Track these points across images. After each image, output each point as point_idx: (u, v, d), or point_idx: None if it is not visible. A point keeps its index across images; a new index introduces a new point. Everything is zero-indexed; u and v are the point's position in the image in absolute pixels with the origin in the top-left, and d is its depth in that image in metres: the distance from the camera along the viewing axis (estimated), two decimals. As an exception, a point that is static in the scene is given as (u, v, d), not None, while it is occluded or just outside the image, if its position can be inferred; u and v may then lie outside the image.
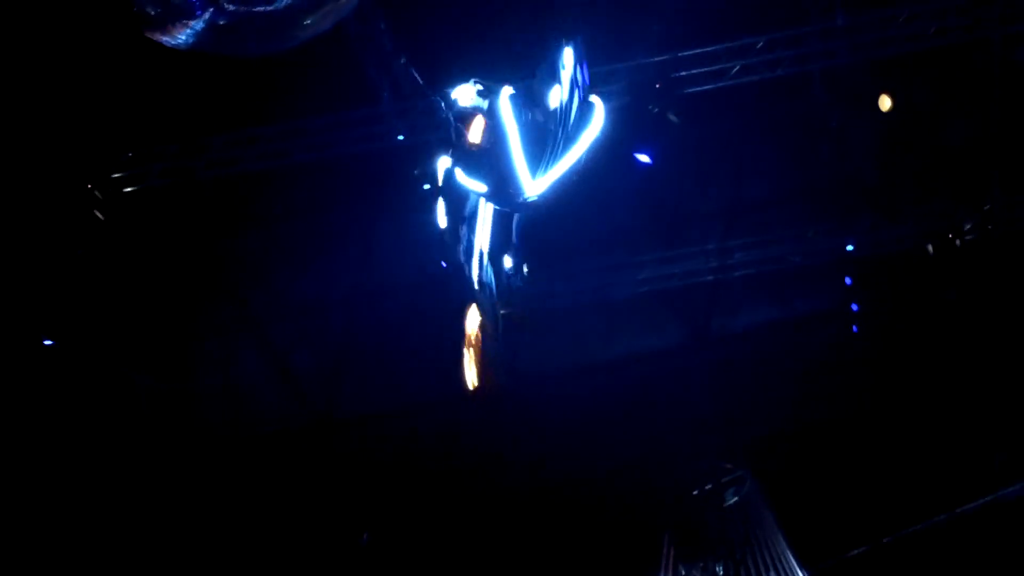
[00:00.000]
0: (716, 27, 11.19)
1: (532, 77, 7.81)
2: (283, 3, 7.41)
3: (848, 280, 12.15)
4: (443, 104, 7.98)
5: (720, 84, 11.23)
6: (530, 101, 7.67)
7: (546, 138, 7.61)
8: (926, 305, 11.86)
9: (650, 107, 11.00)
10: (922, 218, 11.79)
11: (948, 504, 11.76)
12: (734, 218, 12.52)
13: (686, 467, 12.03)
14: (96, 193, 11.39)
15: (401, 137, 11.67)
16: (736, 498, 11.48)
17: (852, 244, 12.06)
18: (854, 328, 12.04)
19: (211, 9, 7.04)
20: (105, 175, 11.48)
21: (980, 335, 11.84)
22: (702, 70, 11.25)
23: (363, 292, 13.07)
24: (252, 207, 12.68)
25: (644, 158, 11.13)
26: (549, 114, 7.67)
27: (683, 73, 11.22)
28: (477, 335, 8.18)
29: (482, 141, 7.74)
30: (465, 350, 8.23)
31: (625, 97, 11.40)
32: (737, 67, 11.16)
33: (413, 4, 10.87)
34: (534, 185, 7.57)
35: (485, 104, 7.88)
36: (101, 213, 11.44)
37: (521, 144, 7.53)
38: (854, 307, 12.25)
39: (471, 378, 8.22)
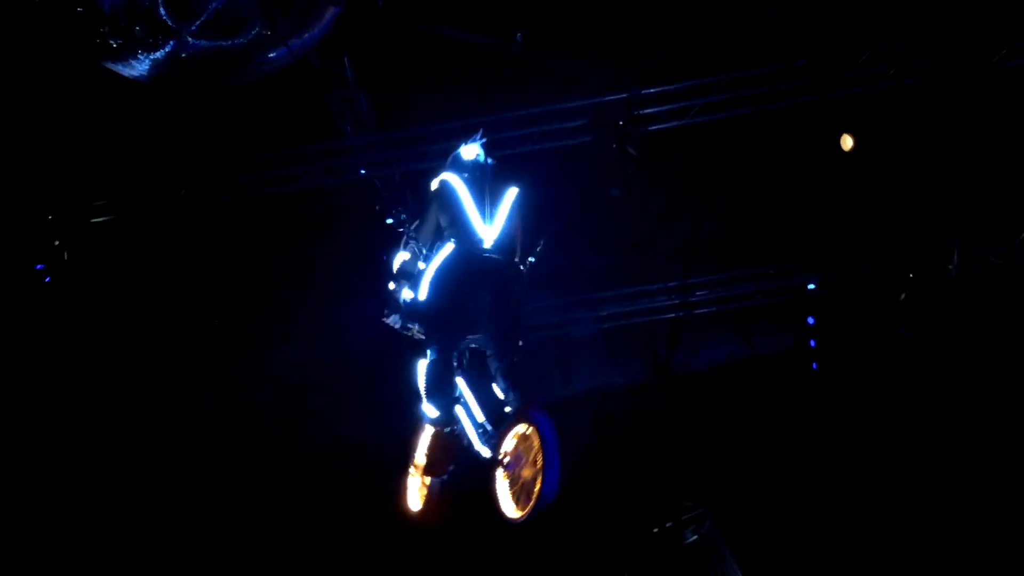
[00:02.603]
0: (678, 65, 11.26)
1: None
2: (248, 37, 7.40)
3: (811, 319, 12.20)
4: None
5: (683, 122, 11.30)
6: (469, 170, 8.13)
7: (482, 192, 7.99)
8: (885, 343, 11.91)
9: (613, 144, 11.02)
10: (884, 256, 11.85)
11: (910, 541, 11.79)
12: (696, 255, 12.54)
13: (645, 505, 12.01)
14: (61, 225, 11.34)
15: (363, 171, 11.67)
16: (696, 536, 11.47)
17: (813, 283, 12.11)
18: (814, 365, 12.07)
19: (173, 41, 7.03)
20: (69, 208, 11.44)
21: (940, 373, 11.90)
22: (664, 108, 11.32)
23: (325, 326, 13.01)
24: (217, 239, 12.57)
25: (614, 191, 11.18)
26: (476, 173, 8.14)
27: (646, 111, 11.29)
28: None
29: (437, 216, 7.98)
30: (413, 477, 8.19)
31: (587, 134, 11.47)
32: (700, 105, 11.23)
33: (376, 41, 10.88)
34: (489, 231, 7.83)
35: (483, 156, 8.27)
36: (63, 246, 11.36)
37: (472, 200, 7.90)
38: (812, 343, 12.30)
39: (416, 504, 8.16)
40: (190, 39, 7.18)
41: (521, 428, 7.47)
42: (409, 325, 7.93)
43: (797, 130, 11.44)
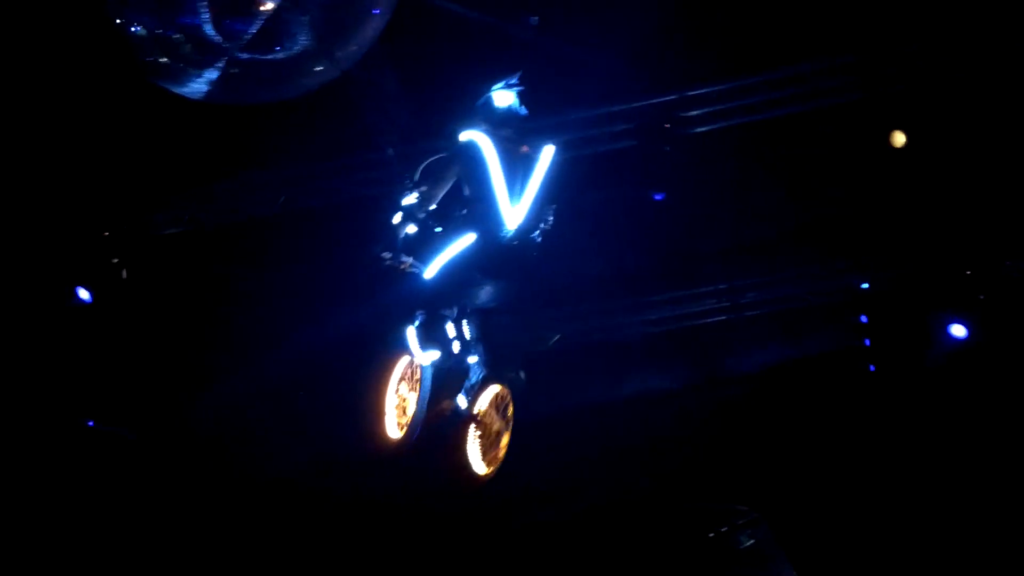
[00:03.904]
0: (723, 65, 11.19)
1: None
2: (294, 50, 7.41)
3: (863, 318, 12.03)
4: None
5: (727, 124, 11.22)
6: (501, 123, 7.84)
7: (514, 162, 7.72)
8: (941, 342, 11.76)
9: (666, 148, 10.95)
10: (939, 254, 11.71)
11: (973, 545, 11.61)
12: (743, 257, 12.43)
13: (699, 510, 11.89)
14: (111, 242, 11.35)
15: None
16: (751, 541, 11.31)
17: (867, 282, 11.97)
18: (870, 367, 11.91)
19: (224, 58, 7.03)
20: (115, 225, 11.45)
21: (1001, 372, 11.72)
22: (708, 109, 11.24)
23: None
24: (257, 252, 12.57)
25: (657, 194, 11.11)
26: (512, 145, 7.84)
27: (689, 113, 11.21)
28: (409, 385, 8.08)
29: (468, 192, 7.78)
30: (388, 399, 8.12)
31: (631, 138, 11.42)
32: (744, 106, 11.15)
33: (418, 50, 10.84)
34: (514, 212, 7.62)
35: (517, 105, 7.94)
36: (118, 262, 11.38)
37: (502, 174, 7.64)
38: (867, 342, 12.15)
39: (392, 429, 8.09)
40: (239, 55, 7.19)
41: (496, 388, 7.86)
42: (403, 259, 7.74)
43: (845, 127, 11.31)
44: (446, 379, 7.97)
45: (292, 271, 12.68)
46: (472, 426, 7.87)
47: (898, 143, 10.84)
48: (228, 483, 12.98)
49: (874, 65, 10.77)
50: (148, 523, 12.52)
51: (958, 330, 11.40)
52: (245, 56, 7.19)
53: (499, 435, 7.70)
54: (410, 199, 7.69)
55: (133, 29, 6.81)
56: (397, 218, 7.69)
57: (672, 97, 11.19)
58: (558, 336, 12.53)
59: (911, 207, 11.62)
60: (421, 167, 7.81)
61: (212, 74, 7.08)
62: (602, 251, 12.17)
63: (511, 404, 7.71)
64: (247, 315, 12.68)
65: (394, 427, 8.05)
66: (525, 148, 7.79)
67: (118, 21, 6.78)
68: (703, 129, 11.29)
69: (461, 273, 7.71)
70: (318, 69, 8.02)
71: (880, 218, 11.84)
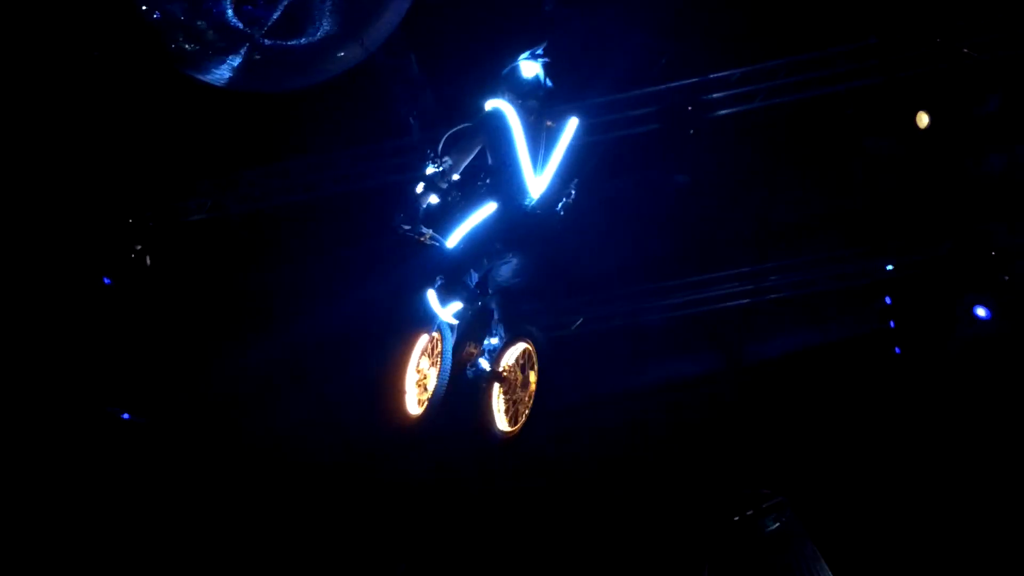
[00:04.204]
0: (745, 49, 11.17)
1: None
2: (317, 36, 7.43)
3: (887, 299, 11.99)
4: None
5: (750, 107, 11.21)
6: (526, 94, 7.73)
7: (538, 133, 7.66)
8: (966, 324, 11.70)
9: (691, 131, 10.93)
10: (963, 235, 11.66)
11: (996, 529, 11.57)
12: (766, 241, 12.40)
13: (724, 494, 11.91)
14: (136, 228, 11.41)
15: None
16: (777, 525, 11.32)
17: (891, 265, 11.93)
18: (896, 350, 11.87)
19: (247, 44, 7.07)
20: (140, 211, 11.51)
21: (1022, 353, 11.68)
22: (731, 92, 11.23)
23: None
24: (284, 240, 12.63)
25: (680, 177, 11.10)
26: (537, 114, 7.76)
27: (712, 96, 11.20)
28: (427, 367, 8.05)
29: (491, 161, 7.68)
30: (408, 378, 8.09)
31: (654, 122, 11.41)
32: (767, 89, 11.13)
33: (441, 35, 10.85)
34: (537, 183, 7.52)
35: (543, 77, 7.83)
36: (142, 249, 11.44)
37: (526, 143, 7.53)
38: (891, 324, 12.10)
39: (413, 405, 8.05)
40: (262, 41, 7.22)
41: (522, 346, 7.60)
42: (423, 231, 7.66)
43: (868, 110, 11.27)
44: (467, 347, 7.86)
45: (316, 257, 12.75)
46: (496, 384, 7.72)
47: (923, 124, 10.79)
48: (247, 455, 13.13)
49: (897, 46, 10.71)
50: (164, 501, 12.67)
51: (982, 311, 11.35)
52: (268, 42, 7.23)
53: (524, 392, 7.56)
54: (432, 169, 7.63)
55: (156, 16, 6.87)
56: (419, 188, 7.64)
57: (695, 80, 11.15)
58: (580, 320, 12.55)
59: (935, 188, 11.58)
60: (444, 138, 7.70)
61: (235, 60, 7.12)
62: (625, 236, 12.15)
63: (536, 361, 7.44)
64: (268, 296, 12.75)
65: (414, 404, 8.02)
66: (549, 123, 7.73)
67: (143, 8, 6.84)
68: (726, 112, 11.26)
69: (482, 243, 7.62)
70: (341, 55, 8.03)
71: (904, 200, 11.80)
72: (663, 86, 11.21)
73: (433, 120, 11.43)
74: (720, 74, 11.17)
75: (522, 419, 7.49)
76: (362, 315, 12.50)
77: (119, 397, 12.40)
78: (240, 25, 7.11)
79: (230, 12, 7.07)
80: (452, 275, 7.81)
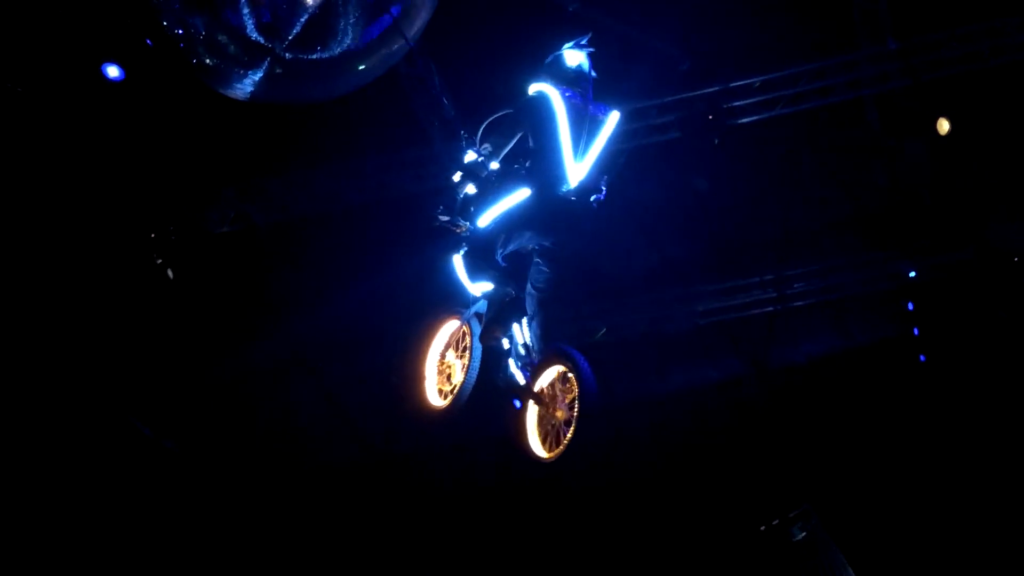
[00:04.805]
0: (765, 56, 11.16)
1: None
2: (338, 49, 7.45)
3: (910, 305, 11.96)
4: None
5: (772, 114, 11.20)
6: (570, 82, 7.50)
7: (581, 121, 7.44)
8: (991, 329, 11.65)
9: (716, 141, 10.91)
10: (986, 240, 11.62)
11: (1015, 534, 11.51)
12: (790, 247, 12.38)
13: (750, 502, 11.88)
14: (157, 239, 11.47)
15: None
16: (804, 534, 11.27)
17: (914, 270, 11.90)
18: (921, 357, 11.83)
19: (268, 59, 7.10)
20: (164, 220, 11.57)
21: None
22: (753, 100, 11.22)
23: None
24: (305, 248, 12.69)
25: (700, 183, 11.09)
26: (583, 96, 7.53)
27: (734, 104, 11.20)
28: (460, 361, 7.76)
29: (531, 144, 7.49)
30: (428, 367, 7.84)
31: (676, 130, 11.41)
32: (788, 96, 11.12)
33: (462, 45, 10.88)
34: (576, 169, 7.34)
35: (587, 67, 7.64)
36: (161, 259, 11.50)
37: (568, 129, 7.34)
38: (915, 332, 12.07)
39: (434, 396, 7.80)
40: (284, 55, 7.25)
41: (561, 369, 7.31)
42: (460, 222, 7.48)
43: (890, 115, 11.25)
44: (493, 331, 7.54)
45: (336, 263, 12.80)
46: (532, 404, 7.46)
47: (943, 131, 10.76)
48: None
49: (918, 52, 10.69)
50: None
51: (999, 316, 11.32)
52: (290, 56, 7.24)
53: (563, 419, 7.38)
54: (471, 157, 7.49)
55: (179, 31, 6.91)
56: (456, 177, 7.51)
57: (716, 88, 11.14)
58: (604, 330, 12.54)
59: (957, 194, 11.56)
60: (483, 124, 7.51)
61: (257, 74, 7.14)
62: (648, 242, 12.17)
63: (577, 390, 7.11)
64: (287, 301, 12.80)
65: (435, 393, 7.78)
66: (593, 114, 7.63)
67: (164, 23, 6.88)
68: (748, 120, 11.25)
69: (515, 225, 7.41)
70: (362, 68, 8.04)
71: (927, 204, 11.77)
72: (684, 94, 11.20)
73: (454, 129, 11.49)
74: (741, 82, 11.15)
75: (560, 447, 7.32)
76: (383, 315, 12.50)
77: (138, 404, 12.46)
78: (261, 40, 7.12)
79: (251, 26, 7.08)
80: (480, 251, 7.55)
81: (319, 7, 7.46)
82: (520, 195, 7.35)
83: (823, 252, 12.32)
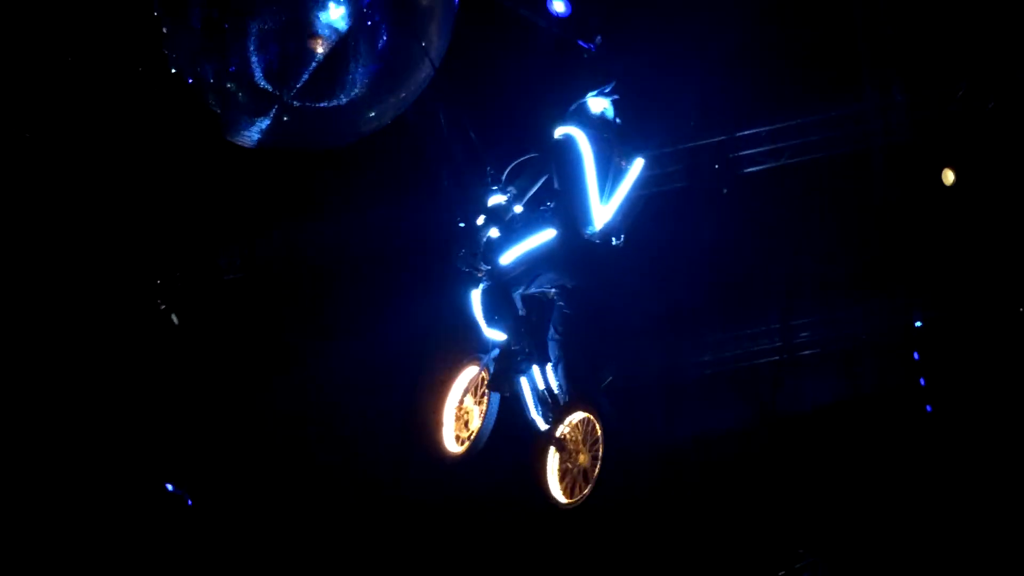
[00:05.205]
0: (772, 106, 11.23)
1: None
2: (347, 97, 7.51)
3: (916, 355, 11.94)
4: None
5: (779, 163, 11.26)
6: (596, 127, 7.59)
7: (607, 165, 7.50)
8: (999, 377, 11.61)
9: (724, 191, 10.95)
10: (991, 290, 11.62)
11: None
12: (797, 295, 12.39)
13: (757, 552, 11.82)
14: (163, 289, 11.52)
15: (462, 224, 11.71)
16: (812, 586, 11.23)
17: (919, 319, 11.89)
18: (927, 408, 11.79)
19: (276, 107, 7.16)
20: (171, 272, 11.64)
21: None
22: (760, 149, 11.28)
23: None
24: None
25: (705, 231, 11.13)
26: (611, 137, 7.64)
27: (741, 153, 11.26)
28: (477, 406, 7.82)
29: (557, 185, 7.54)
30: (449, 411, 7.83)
31: (683, 179, 11.47)
32: (794, 146, 11.19)
33: (474, 92, 10.94)
34: (602, 212, 7.36)
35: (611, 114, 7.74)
36: (170, 309, 11.55)
37: (595, 172, 7.39)
38: (922, 382, 12.05)
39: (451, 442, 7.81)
40: (292, 102, 7.31)
41: (583, 415, 7.34)
42: (482, 266, 7.53)
43: (896, 165, 11.30)
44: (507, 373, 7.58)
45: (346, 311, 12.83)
46: (554, 450, 7.44)
47: (948, 181, 10.81)
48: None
49: (924, 105, 10.76)
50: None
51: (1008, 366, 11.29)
52: (297, 104, 7.31)
53: (584, 466, 7.27)
54: (496, 199, 7.57)
55: (189, 80, 7.00)
56: (480, 220, 7.56)
57: (722, 138, 11.21)
58: (610, 378, 12.53)
59: (963, 245, 11.56)
60: (509, 168, 7.64)
61: (264, 122, 7.20)
62: (656, 290, 12.17)
63: (601, 439, 7.17)
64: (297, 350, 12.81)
65: (452, 439, 7.79)
66: (619, 160, 7.64)
67: (173, 70, 6.97)
68: (754, 169, 11.31)
69: (536, 265, 7.46)
70: (371, 115, 8.10)
71: (932, 256, 11.78)
72: (691, 144, 11.27)
73: (463, 176, 11.54)
74: (748, 131, 11.22)
75: (581, 494, 7.30)
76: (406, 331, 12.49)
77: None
78: (269, 87, 7.20)
79: (259, 74, 7.16)
80: (499, 289, 7.61)
81: (328, 55, 7.52)
82: (546, 235, 7.40)
83: (830, 301, 12.33)
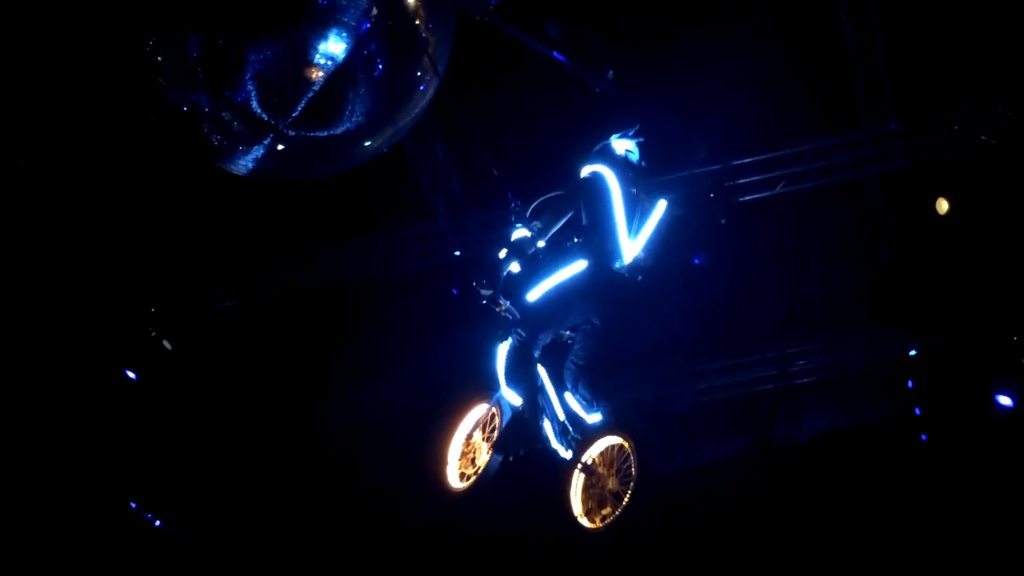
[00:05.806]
0: (768, 134, 11.25)
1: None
2: (342, 128, 7.52)
3: (910, 383, 11.91)
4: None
5: (774, 192, 11.27)
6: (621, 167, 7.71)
7: (634, 204, 7.63)
8: (994, 410, 11.59)
9: (722, 220, 10.96)
10: (987, 320, 11.62)
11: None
12: (793, 324, 12.39)
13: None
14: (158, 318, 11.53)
15: (457, 253, 11.73)
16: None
17: (914, 349, 11.88)
18: (922, 437, 11.76)
19: (271, 135, 7.17)
20: (170, 300, 11.66)
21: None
22: (755, 178, 11.30)
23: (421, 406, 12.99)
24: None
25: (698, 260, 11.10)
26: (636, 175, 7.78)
27: (737, 182, 11.27)
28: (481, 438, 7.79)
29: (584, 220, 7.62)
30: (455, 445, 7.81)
31: (679, 207, 11.45)
32: (790, 175, 11.20)
33: (469, 120, 10.97)
34: (630, 247, 7.48)
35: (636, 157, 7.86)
36: (165, 338, 11.57)
37: (623, 208, 7.49)
38: (917, 411, 12.02)
39: (454, 478, 7.77)
40: (288, 131, 7.32)
41: (614, 440, 7.34)
42: (501, 301, 7.50)
43: (892, 194, 11.33)
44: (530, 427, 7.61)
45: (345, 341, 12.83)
46: (580, 475, 7.41)
47: (943, 210, 10.83)
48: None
49: (920, 133, 10.79)
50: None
51: (1005, 399, 11.25)
52: (293, 132, 7.31)
53: (613, 493, 7.27)
54: (520, 233, 7.59)
55: (184, 109, 7.01)
56: (502, 254, 7.57)
57: (718, 166, 11.23)
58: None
59: (958, 273, 11.57)
60: (533, 204, 7.68)
61: (259, 151, 7.21)
62: (652, 319, 12.17)
63: (635, 465, 7.17)
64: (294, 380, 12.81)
65: (456, 477, 7.75)
66: (643, 197, 7.71)
67: (169, 99, 6.98)
68: (750, 198, 11.32)
69: (565, 300, 7.48)
70: (367, 144, 8.11)
71: (928, 284, 11.78)
72: (687, 172, 11.27)
73: (458, 205, 11.57)
74: (744, 160, 11.24)
75: (610, 518, 7.27)
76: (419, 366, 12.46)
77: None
78: (265, 116, 7.21)
79: (255, 103, 7.17)
80: (526, 354, 7.60)
81: (325, 85, 7.53)
82: (576, 267, 7.45)
83: (825, 329, 12.35)
